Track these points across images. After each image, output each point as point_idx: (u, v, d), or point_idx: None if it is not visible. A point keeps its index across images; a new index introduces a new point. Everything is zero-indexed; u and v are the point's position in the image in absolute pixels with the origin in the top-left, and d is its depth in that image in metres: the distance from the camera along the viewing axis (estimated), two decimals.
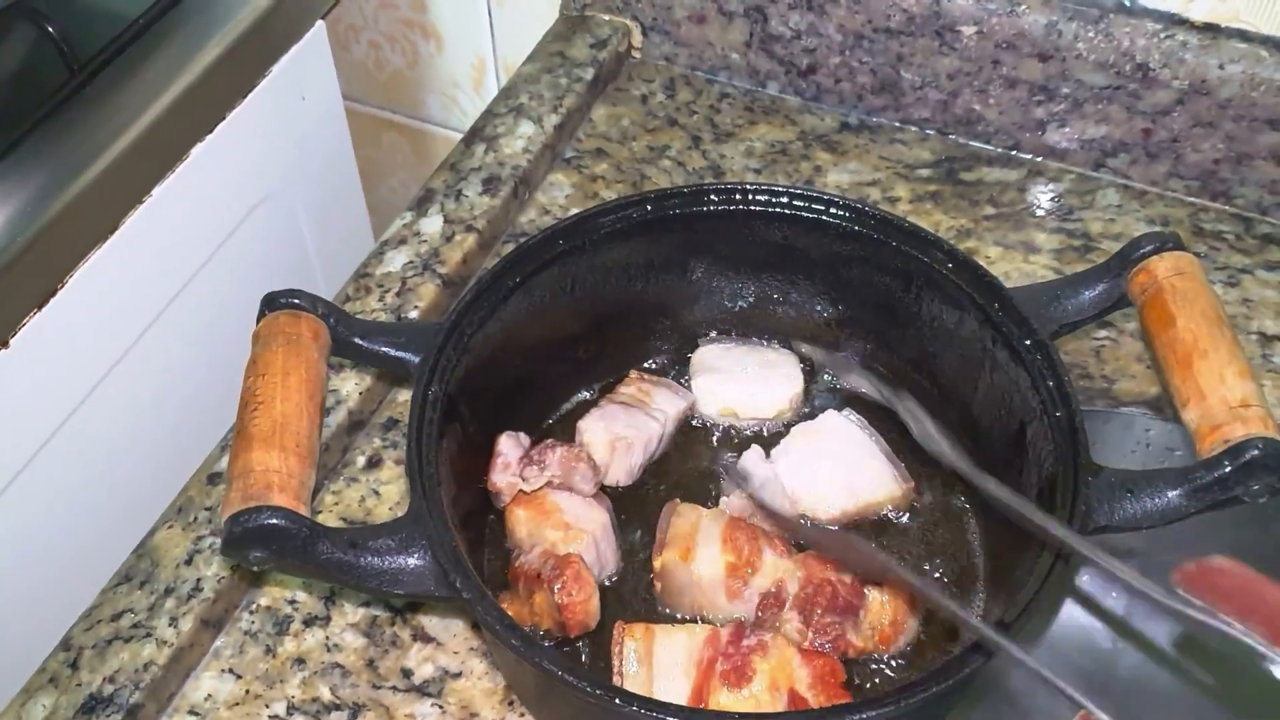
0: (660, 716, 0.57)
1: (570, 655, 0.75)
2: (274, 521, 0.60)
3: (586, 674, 0.58)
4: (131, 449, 0.99)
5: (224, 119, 1.01)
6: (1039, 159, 1.04)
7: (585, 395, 0.89)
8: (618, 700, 0.57)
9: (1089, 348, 0.92)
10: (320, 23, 1.09)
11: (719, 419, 0.87)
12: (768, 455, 0.83)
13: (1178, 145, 0.98)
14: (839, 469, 0.81)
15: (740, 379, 0.87)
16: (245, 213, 1.07)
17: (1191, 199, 1.01)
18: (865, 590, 0.74)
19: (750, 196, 0.83)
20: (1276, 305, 0.93)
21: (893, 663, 0.75)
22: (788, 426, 0.86)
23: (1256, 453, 0.64)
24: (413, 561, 0.63)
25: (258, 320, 0.73)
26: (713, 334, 0.91)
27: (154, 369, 0.99)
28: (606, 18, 1.14)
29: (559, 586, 0.71)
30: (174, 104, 0.95)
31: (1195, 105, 0.95)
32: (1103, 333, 0.92)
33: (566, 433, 0.86)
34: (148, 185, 0.95)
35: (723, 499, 0.81)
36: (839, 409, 0.86)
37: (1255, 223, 0.99)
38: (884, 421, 0.85)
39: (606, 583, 0.78)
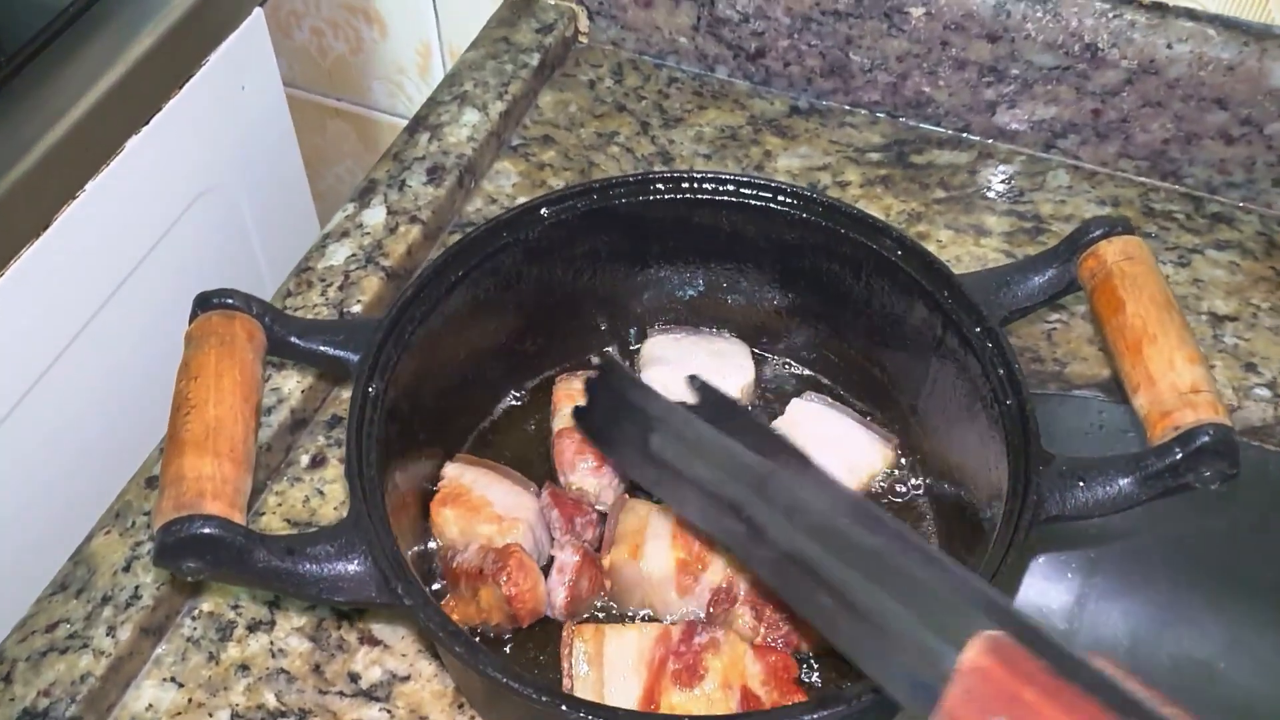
0: None
1: (523, 651, 0.74)
2: (207, 530, 0.58)
3: (533, 679, 0.57)
4: (68, 454, 0.96)
5: (160, 110, 0.98)
6: (989, 141, 1.03)
7: (515, 399, 0.87)
8: (564, 706, 0.56)
9: (1040, 331, 0.91)
10: (259, 10, 1.06)
11: None
12: None
13: (1127, 125, 0.98)
14: (830, 451, 0.79)
15: (690, 369, 0.86)
16: (185, 207, 1.05)
17: (1141, 179, 1.00)
18: None
19: (697, 185, 0.81)
20: (1226, 285, 0.93)
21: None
22: None
23: (1207, 439, 0.63)
24: (353, 568, 0.61)
25: (190, 321, 0.71)
26: (661, 324, 0.89)
27: (91, 371, 0.97)
28: (552, 2, 1.12)
29: (504, 579, 0.70)
30: (107, 95, 0.92)
31: (1144, 85, 0.94)
32: (1054, 316, 0.92)
33: (504, 435, 0.85)
34: (81, 180, 0.92)
35: None
36: (797, 394, 0.85)
37: (1205, 202, 0.99)
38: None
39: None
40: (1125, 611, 1.02)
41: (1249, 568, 0.98)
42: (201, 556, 0.59)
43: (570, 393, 0.83)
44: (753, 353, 0.88)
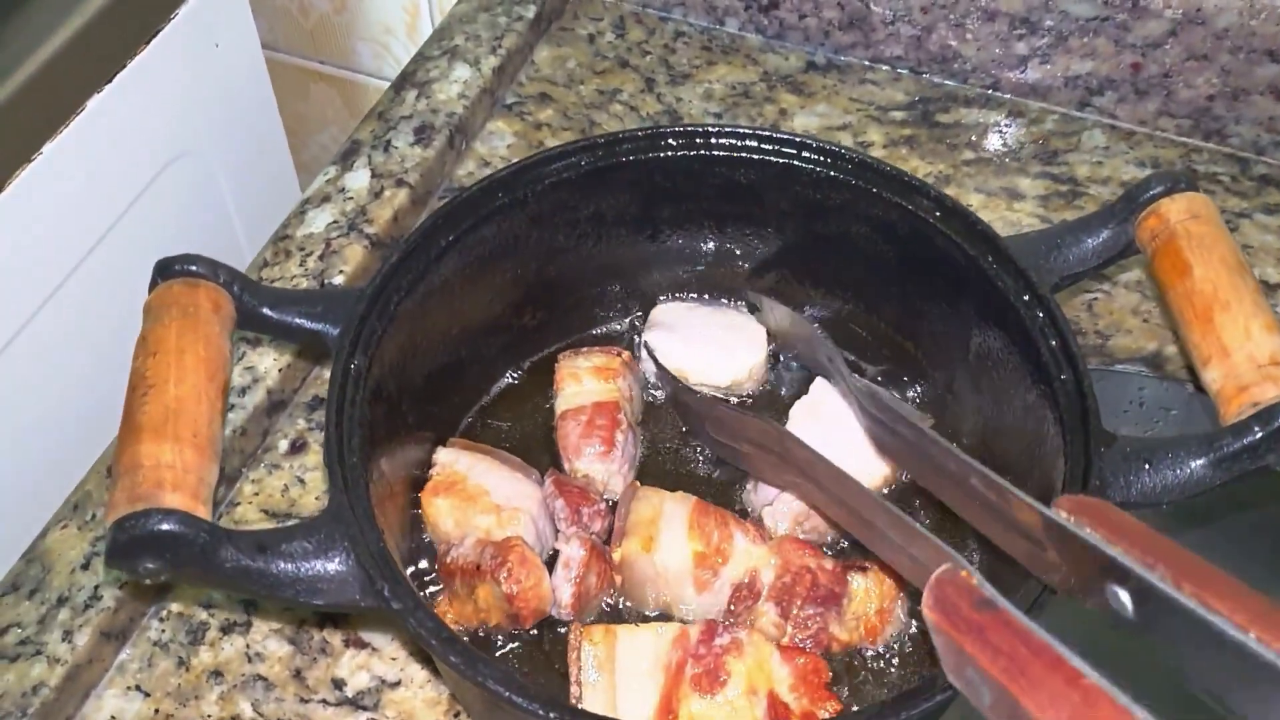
0: None
1: (526, 656, 0.67)
2: (166, 526, 0.51)
3: (539, 693, 0.50)
4: (25, 438, 0.89)
5: (124, 67, 0.91)
6: (1020, 99, 0.96)
7: (512, 378, 0.80)
8: None
9: (1081, 301, 0.84)
10: None
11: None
12: None
13: (1169, 81, 0.91)
14: (855, 435, 0.73)
15: (698, 341, 0.79)
16: (155, 173, 0.98)
17: (1183, 139, 0.94)
18: (848, 577, 0.66)
19: (712, 140, 0.75)
20: (1277, 251, 0.87)
21: (882, 657, 0.68)
22: (747, 398, 0.78)
23: None
24: (333, 566, 0.54)
25: (150, 290, 0.63)
26: (670, 296, 0.82)
27: (52, 350, 0.90)
28: None
29: (504, 575, 0.63)
30: (65, 48, 0.85)
31: (1189, 36, 0.88)
32: (1096, 286, 0.86)
33: (502, 417, 0.79)
34: (36, 143, 0.85)
35: (765, 511, 0.72)
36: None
37: (1251, 163, 0.92)
38: None
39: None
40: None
41: None
42: (160, 556, 0.51)
43: (574, 371, 0.76)
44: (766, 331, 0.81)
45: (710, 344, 0.79)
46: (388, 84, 1.28)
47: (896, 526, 0.54)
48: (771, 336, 0.80)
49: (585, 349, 0.79)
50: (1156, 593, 0.43)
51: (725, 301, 0.82)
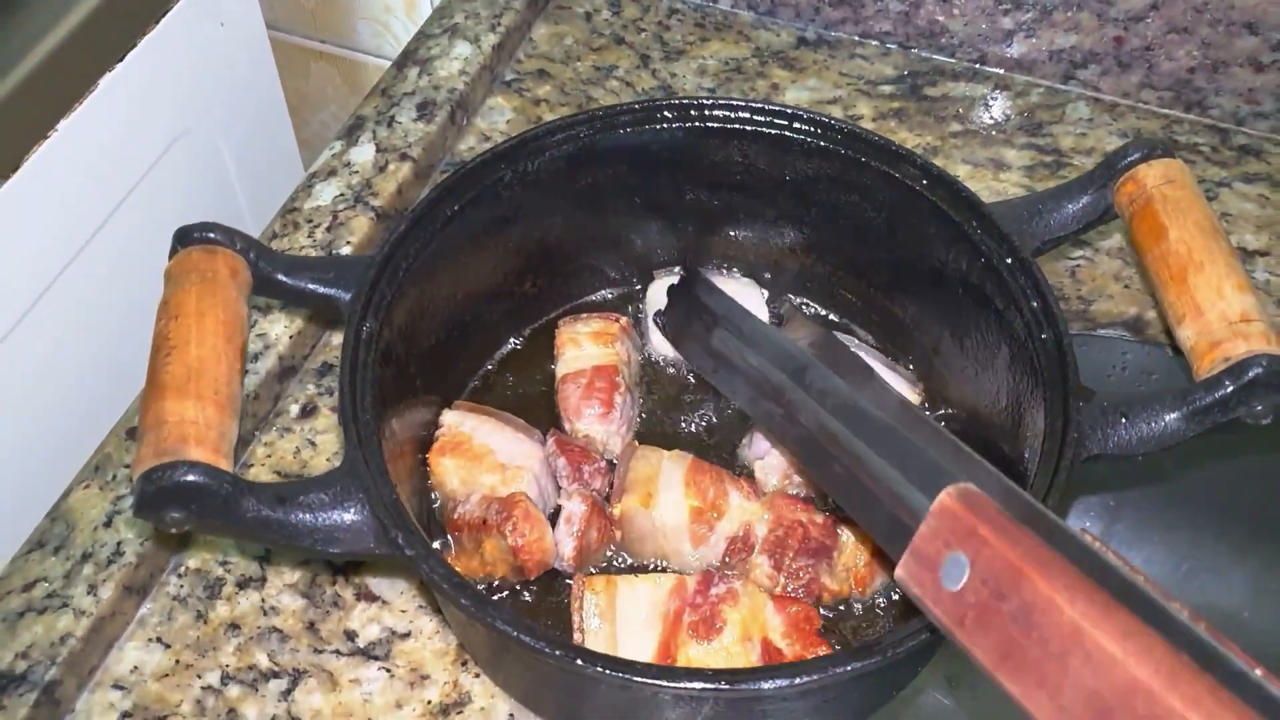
0: (625, 676, 0.52)
1: (529, 607, 0.70)
2: (191, 478, 0.53)
3: (545, 633, 0.53)
4: (44, 404, 0.92)
5: (135, 46, 0.93)
6: (1005, 72, 0.99)
7: (515, 343, 0.83)
8: (579, 660, 0.52)
9: (1064, 268, 0.87)
10: None
11: (676, 357, 0.82)
12: None
13: (1150, 54, 0.93)
14: None
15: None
16: (162, 149, 1.00)
17: (1165, 110, 0.96)
18: (838, 530, 0.69)
19: (707, 112, 0.77)
20: (1256, 219, 0.89)
21: (870, 607, 0.71)
22: None
23: (1260, 371, 0.60)
24: (349, 517, 0.57)
25: (170, 257, 0.66)
26: (667, 265, 0.85)
27: (67, 320, 0.92)
28: None
29: (510, 529, 0.66)
30: (78, 29, 0.88)
31: (1170, 9, 0.90)
32: (1078, 252, 0.88)
33: (504, 380, 0.82)
34: (52, 119, 0.87)
35: (757, 464, 0.76)
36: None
37: (1231, 134, 0.95)
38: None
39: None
40: (1147, 560, 0.99)
41: (1273, 514, 0.95)
42: (185, 506, 0.54)
43: (574, 336, 0.79)
44: (764, 294, 0.84)
45: None
46: (388, 62, 1.30)
47: (911, 456, 0.54)
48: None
49: (584, 315, 0.82)
50: None
51: (720, 270, 0.85)
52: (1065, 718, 0.40)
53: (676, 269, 0.84)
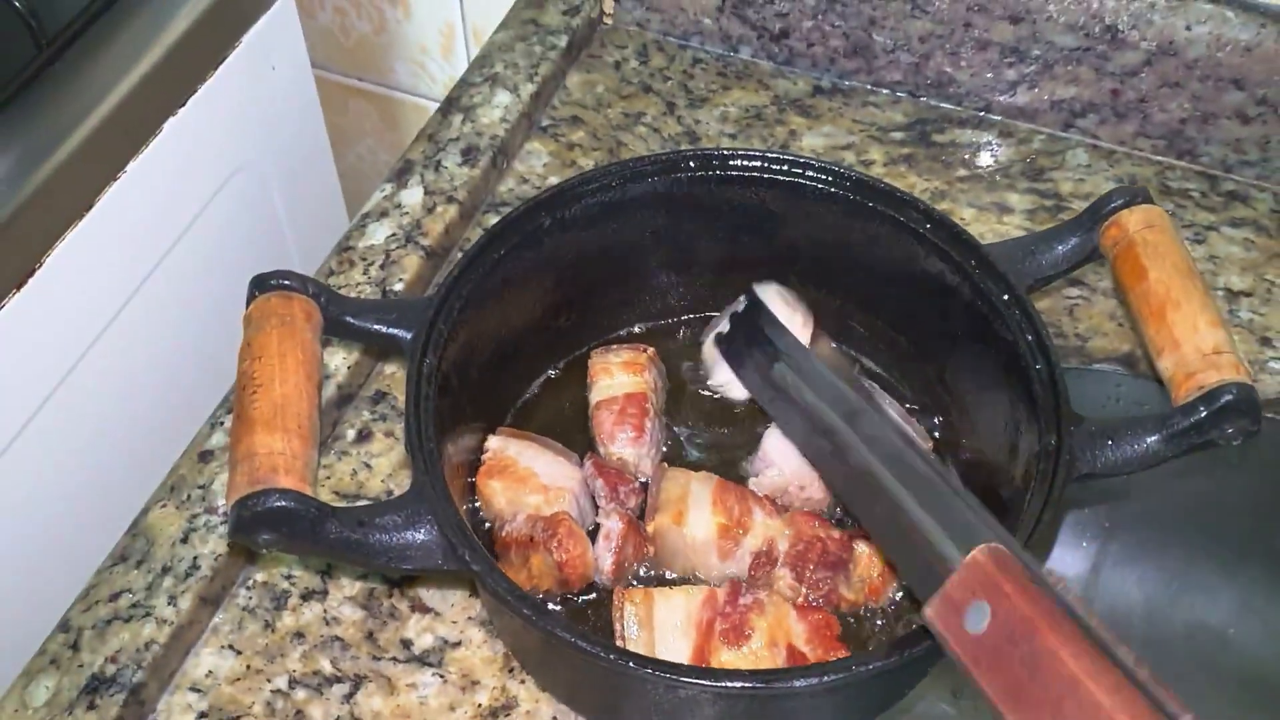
0: (673, 676, 0.59)
1: (575, 614, 0.77)
2: (282, 504, 0.60)
3: (599, 640, 0.60)
4: (114, 427, 0.99)
5: (196, 91, 1.00)
6: (1009, 120, 1.06)
7: (551, 373, 0.90)
8: (632, 664, 0.59)
9: (1062, 306, 0.94)
10: None
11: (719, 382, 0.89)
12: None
13: (1145, 105, 1.00)
14: None
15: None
16: (219, 185, 1.07)
17: (1159, 157, 1.03)
18: (854, 545, 0.76)
19: (727, 162, 0.84)
20: (1241, 261, 0.96)
21: (885, 613, 0.77)
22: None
23: (1230, 398, 0.66)
24: (420, 536, 0.63)
25: (247, 303, 0.73)
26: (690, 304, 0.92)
27: (133, 346, 0.99)
28: None
29: (555, 546, 0.73)
30: (145, 78, 0.94)
31: (1162, 66, 0.97)
32: (1075, 291, 0.95)
33: (543, 408, 0.88)
34: (122, 161, 0.94)
35: (752, 479, 0.82)
36: None
37: (1220, 180, 1.01)
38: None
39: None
40: (1140, 579, 1.05)
41: (1261, 537, 1.01)
42: (277, 529, 0.61)
43: (606, 366, 0.86)
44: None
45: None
46: (422, 100, 1.38)
47: (947, 512, 0.60)
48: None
49: (615, 346, 0.88)
50: None
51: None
52: None
53: (741, 297, 0.89)
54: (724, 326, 0.87)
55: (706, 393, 0.88)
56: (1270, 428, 0.91)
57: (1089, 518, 1.05)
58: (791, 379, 0.77)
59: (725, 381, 0.87)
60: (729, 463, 0.85)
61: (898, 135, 1.05)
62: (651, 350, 0.88)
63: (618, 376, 0.85)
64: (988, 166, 1.02)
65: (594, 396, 0.85)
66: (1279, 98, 0.95)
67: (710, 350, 0.88)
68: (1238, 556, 1.02)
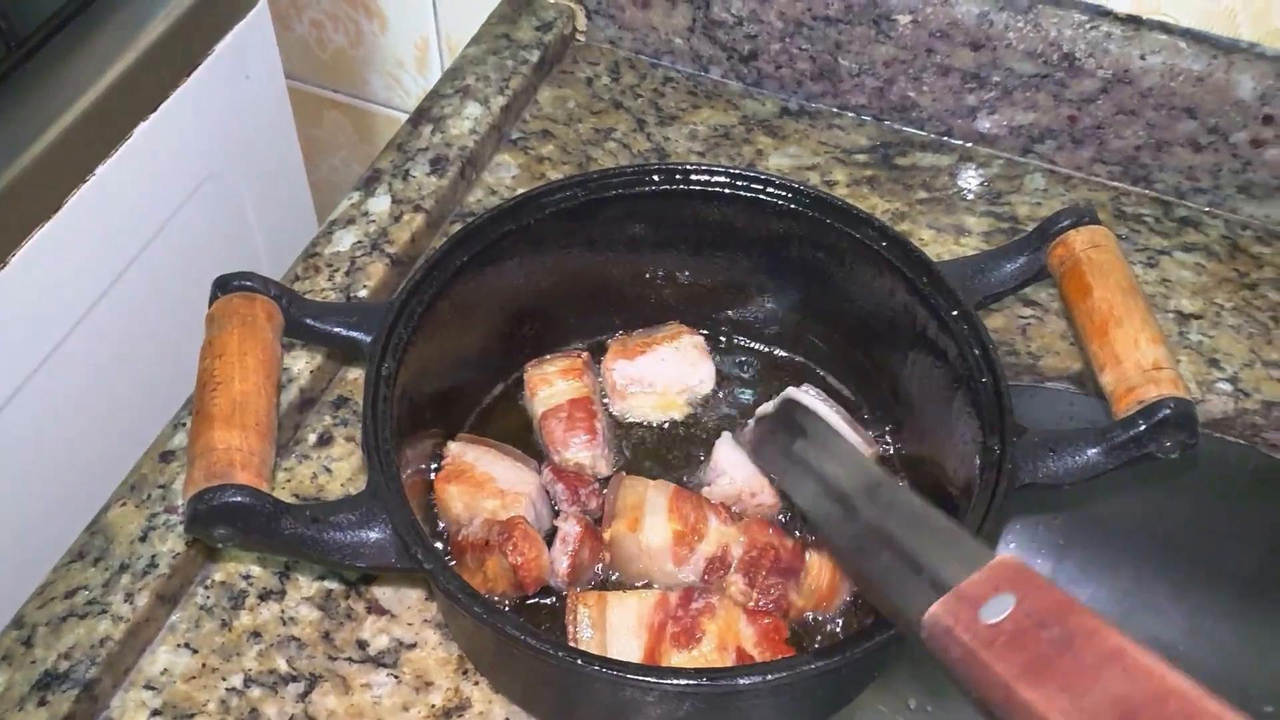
0: (619, 674, 0.60)
1: (530, 616, 0.77)
2: (238, 499, 0.61)
3: (548, 637, 0.61)
4: (79, 427, 0.99)
5: (168, 97, 1.01)
6: (970, 144, 1.08)
7: (511, 381, 0.90)
8: (579, 661, 0.60)
9: (1015, 325, 0.96)
10: (263, 1, 1.09)
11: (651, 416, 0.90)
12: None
13: (1101, 132, 1.02)
14: None
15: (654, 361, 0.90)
16: (189, 192, 1.08)
17: (1114, 183, 1.05)
18: (805, 553, 0.77)
19: (690, 176, 0.85)
20: (1193, 285, 0.98)
21: (833, 621, 0.79)
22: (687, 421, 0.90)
23: (1168, 412, 0.68)
24: (374, 535, 0.64)
25: (210, 303, 0.74)
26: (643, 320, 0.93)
27: (99, 349, 0.99)
28: (551, 0, 1.15)
29: (510, 549, 0.74)
30: (117, 82, 0.95)
31: (1118, 94, 0.99)
32: (1028, 311, 0.96)
33: (501, 415, 0.89)
34: (91, 164, 0.95)
35: (705, 488, 0.83)
36: (791, 383, 0.89)
37: (1173, 206, 1.04)
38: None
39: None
40: (1092, 596, 1.07)
41: (1209, 555, 1.03)
42: (232, 524, 0.62)
43: (543, 376, 0.86)
44: (737, 341, 0.93)
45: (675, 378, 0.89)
46: (396, 113, 1.39)
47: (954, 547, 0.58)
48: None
49: (548, 356, 0.89)
50: None
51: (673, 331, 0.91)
52: (1085, 716, 0.45)
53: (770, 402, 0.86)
54: (746, 433, 0.83)
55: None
56: (1217, 447, 0.93)
57: (1044, 536, 1.06)
58: (813, 453, 0.74)
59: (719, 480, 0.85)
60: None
61: (861, 157, 1.07)
62: (585, 354, 0.89)
63: (557, 384, 0.86)
64: (947, 189, 1.04)
65: (538, 408, 0.86)
66: (1229, 127, 0.97)
67: (723, 449, 0.85)
68: (1187, 576, 1.04)
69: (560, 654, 0.60)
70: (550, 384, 0.86)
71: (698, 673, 0.60)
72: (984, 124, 1.06)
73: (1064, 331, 0.95)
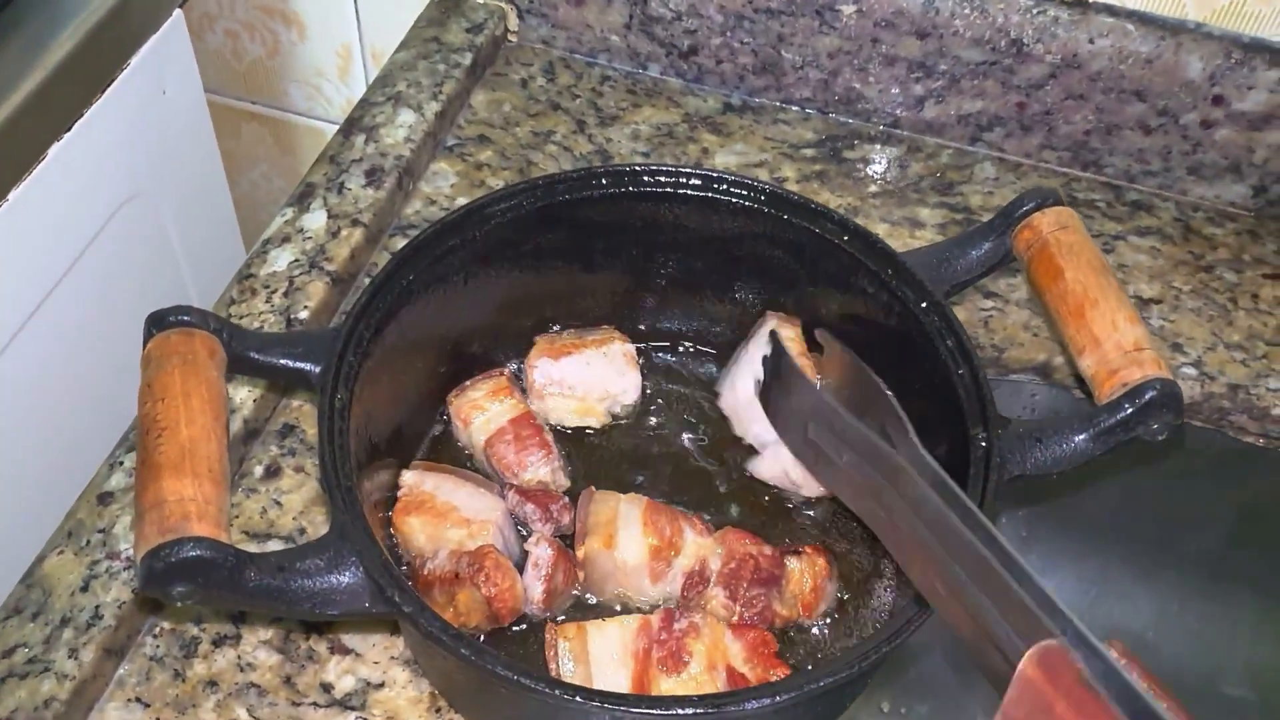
0: (625, 709, 0.57)
1: (505, 649, 0.74)
2: (197, 553, 0.57)
3: (546, 677, 0.58)
4: (2, 471, 0.93)
5: (82, 115, 0.96)
6: (918, 135, 1.06)
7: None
8: (579, 698, 0.56)
9: (978, 318, 0.94)
10: (178, 12, 1.04)
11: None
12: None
13: (1050, 118, 1.01)
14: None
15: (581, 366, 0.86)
16: (109, 214, 1.02)
17: (1064, 169, 1.04)
18: (785, 560, 0.75)
19: (641, 178, 0.82)
20: (1149, 269, 0.97)
21: (818, 626, 0.76)
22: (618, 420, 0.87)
23: (1154, 394, 0.67)
24: (345, 579, 0.60)
25: (145, 341, 0.69)
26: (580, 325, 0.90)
27: (20, 385, 0.94)
28: (481, 1, 1.11)
29: (482, 580, 0.70)
30: (28, 100, 0.89)
31: (1067, 79, 0.98)
32: (989, 303, 0.95)
33: (454, 441, 0.85)
34: (3, 189, 0.89)
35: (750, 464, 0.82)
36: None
37: (1125, 190, 1.03)
38: None
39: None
40: (1059, 587, 1.06)
41: (1173, 543, 1.03)
42: (193, 580, 0.57)
43: (474, 403, 0.83)
44: (697, 348, 0.90)
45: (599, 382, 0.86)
46: (318, 123, 1.34)
47: (1005, 595, 0.51)
48: (824, 379, 0.79)
49: (468, 383, 0.84)
50: None
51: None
52: None
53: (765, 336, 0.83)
54: (758, 372, 0.78)
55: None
56: (1186, 432, 0.93)
57: (1007, 530, 1.05)
58: (825, 439, 0.69)
59: (762, 439, 0.83)
60: None
61: (809, 152, 1.04)
62: (506, 370, 0.86)
63: (491, 407, 0.83)
64: (898, 182, 1.02)
65: (477, 437, 0.82)
66: (1178, 108, 0.97)
67: (742, 400, 0.83)
68: (1154, 562, 1.04)
69: (562, 694, 0.56)
70: (483, 409, 0.83)
71: (702, 700, 0.57)
72: (931, 113, 1.04)
73: (1026, 322, 0.94)
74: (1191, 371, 0.91)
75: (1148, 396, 0.67)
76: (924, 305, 0.75)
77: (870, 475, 0.63)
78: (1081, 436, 0.68)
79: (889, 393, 0.67)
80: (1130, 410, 0.67)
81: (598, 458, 0.85)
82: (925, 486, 0.58)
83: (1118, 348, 0.70)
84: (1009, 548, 0.53)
